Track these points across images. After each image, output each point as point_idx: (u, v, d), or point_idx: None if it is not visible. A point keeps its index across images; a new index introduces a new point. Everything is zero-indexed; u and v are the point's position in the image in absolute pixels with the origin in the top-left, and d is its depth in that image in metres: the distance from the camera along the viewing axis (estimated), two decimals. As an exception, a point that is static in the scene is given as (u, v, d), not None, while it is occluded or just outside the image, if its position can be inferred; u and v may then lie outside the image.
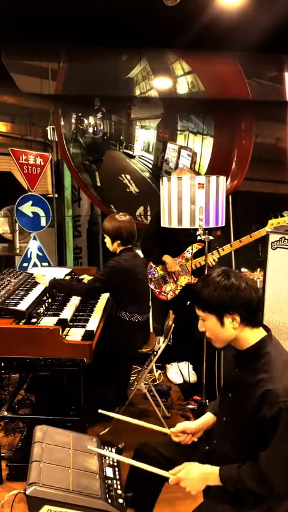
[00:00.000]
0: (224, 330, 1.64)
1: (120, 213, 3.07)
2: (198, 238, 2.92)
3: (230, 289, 1.60)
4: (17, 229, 4.86)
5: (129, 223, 3.03)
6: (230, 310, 1.61)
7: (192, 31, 3.35)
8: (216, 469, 1.64)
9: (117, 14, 3.36)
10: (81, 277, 3.47)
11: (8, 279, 3.13)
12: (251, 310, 1.63)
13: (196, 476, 1.65)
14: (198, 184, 2.83)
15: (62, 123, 4.59)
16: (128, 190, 4.74)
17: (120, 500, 1.67)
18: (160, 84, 4.36)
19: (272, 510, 1.60)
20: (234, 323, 1.62)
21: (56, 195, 4.74)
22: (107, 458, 1.88)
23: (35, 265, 4.29)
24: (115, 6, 3.22)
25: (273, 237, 3.34)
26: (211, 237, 2.99)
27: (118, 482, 1.76)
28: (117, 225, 3.00)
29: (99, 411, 1.95)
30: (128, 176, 4.72)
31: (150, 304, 3.41)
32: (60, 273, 3.48)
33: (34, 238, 4.35)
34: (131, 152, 4.71)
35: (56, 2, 3.18)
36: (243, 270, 4.49)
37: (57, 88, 4.36)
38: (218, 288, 1.61)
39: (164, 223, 3.05)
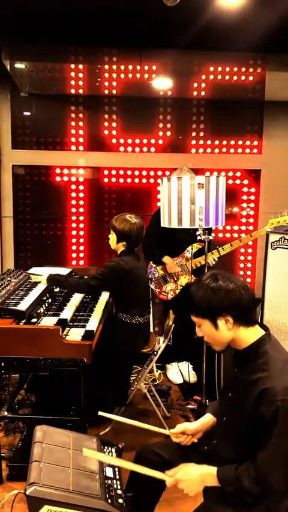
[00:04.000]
0: (219, 332, 1.65)
1: (132, 215, 3.04)
2: (198, 238, 2.93)
3: (218, 291, 1.62)
4: None
5: (139, 226, 3.00)
6: (222, 312, 1.62)
7: (192, 31, 3.34)
8: (214, 470, 1.64)
9: (117, 14, 3.35)
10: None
11: (8, 279, 3.14)
12: (243, 310, 1.63)
13: (194, 477, 1.65)
14: (198, 184, 2.83)
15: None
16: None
17: (120, 500, 1.67)
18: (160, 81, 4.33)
19: (273, 510, 1.60)
20: (228, 325, 1.63)
21: None
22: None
23: None
24: (115, 6, 3.22)
25: (273, 237, 3.35)
26: (211, 237, 2.99)
27: (118, 482, 1.76)
28: (127, 227, 2.96)
29: (99, 413, 1.95)
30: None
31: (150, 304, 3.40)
32: (60, 273, 3.49)
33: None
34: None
35: (56, 2, 3.17)
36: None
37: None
38: (207, 292, 1.63)
39: (164, 223, 3.05)
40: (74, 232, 4.38)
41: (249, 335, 1.66)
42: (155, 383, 3.69)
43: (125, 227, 2.97)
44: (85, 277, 3.55)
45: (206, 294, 1.63)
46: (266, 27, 3.35)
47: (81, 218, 4.38)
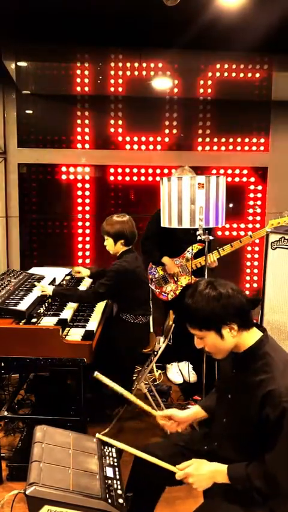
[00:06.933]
0: (224, 342, 1.61)
1: (119, 214, 3.07)
2: (198, 238, 2.92)
3: (220, 299, 1.57)
4: None
5: (130, 222, 3.04)
6: (226, 320, 1.58)
7: (192, 31, 3.35)
8: (224, 467, 1.64)
9: (117, 14, 3.36)
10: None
11: (8, 279, 3.13)
12: (244, 314, 1.61)
13: (205, 473, 1.65)
14: (198, 184, 2.83)
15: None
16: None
17: (120, 500, 1.66)
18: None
19: (276, 511, 1.59)
20: (232, 332, 1.60)
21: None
22: (107, 458, 1.88)
23: None
24: (115, 6, 3.22)
25: (273, 237, 3.34)
26: (211, 237, 2.99)
27: (118, 482, 1.76)
28: (119, 226, 3.00)
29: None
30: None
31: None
32: (60, 273, 3.49)
33: None
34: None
35: (56, 2, 3.18)
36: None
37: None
38: (209, 302, 1.57)
39: (164, 223, 3.05)
40: (80, 231, 4.37)
41: (249, 337, 1.65)
42: (155, 383, 3.69)
43: (117, 227, 3.00)
44: (83, 278, 3.54)
45: (208, 305, 1.57)
46: (266, 27, 3.36)
47: (87, 216, 4.36)
